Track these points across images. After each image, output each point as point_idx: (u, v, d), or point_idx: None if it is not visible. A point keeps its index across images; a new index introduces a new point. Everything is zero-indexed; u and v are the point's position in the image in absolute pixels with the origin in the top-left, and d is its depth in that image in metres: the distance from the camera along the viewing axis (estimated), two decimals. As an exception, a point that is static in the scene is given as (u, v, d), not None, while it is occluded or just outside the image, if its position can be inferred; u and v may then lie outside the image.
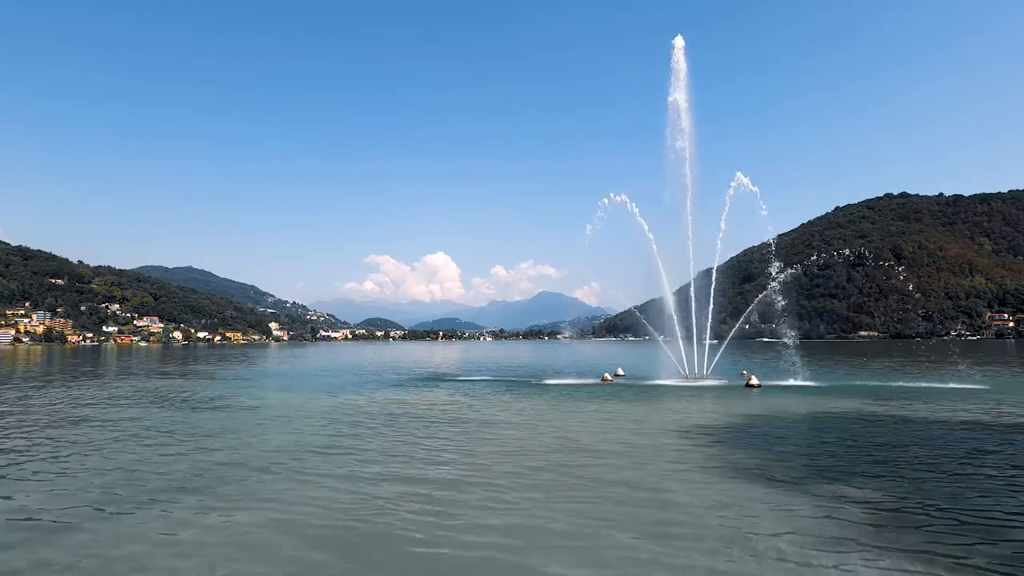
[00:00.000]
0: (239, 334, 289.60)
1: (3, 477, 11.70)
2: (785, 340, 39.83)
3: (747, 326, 39.27)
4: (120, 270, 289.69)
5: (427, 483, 11.08)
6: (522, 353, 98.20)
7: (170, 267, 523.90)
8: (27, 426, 18.23)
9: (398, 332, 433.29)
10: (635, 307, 40.33)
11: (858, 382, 33.21)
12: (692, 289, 34.78)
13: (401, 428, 17.76)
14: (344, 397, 26.87)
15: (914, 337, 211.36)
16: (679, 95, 35.41)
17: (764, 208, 34.94)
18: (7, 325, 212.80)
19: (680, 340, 35.07)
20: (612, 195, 35.46)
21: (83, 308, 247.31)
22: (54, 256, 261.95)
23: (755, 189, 34.35)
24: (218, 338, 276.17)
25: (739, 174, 34.44)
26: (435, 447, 14.68)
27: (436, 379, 38.11)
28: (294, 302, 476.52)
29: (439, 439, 15.81)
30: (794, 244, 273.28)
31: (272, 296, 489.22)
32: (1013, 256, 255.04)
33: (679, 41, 35.90)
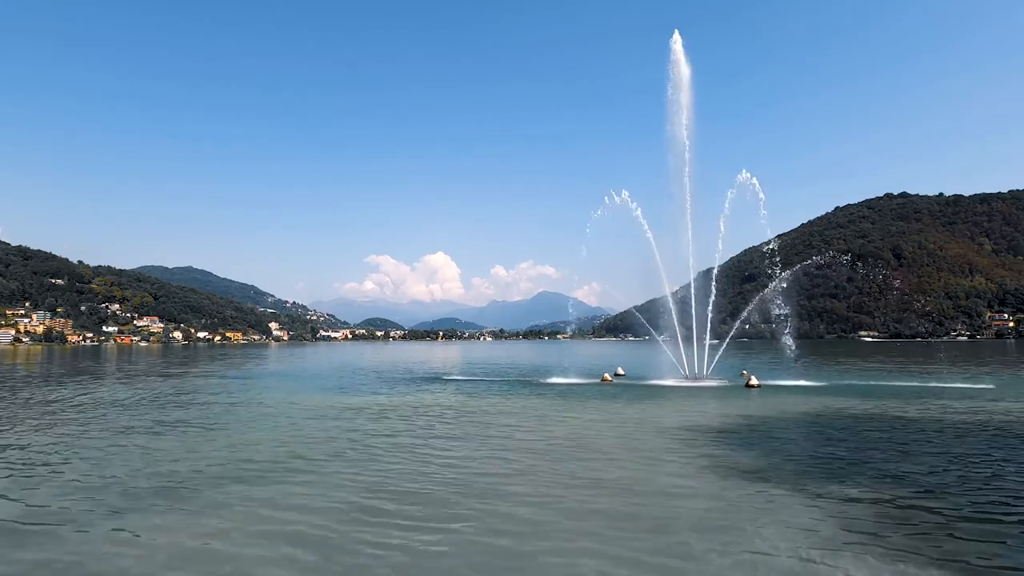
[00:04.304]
0: (239, 334, 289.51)
1: None
2: (786, 340, 39.89)
3: (747, 326, 39.30)
4: (120, 270, 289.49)
5: (425, 484, 11.12)
6: (522, 353, 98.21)
7: (170, 267, 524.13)
8: (25, 425, 18.26)
9: (398, 332, 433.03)
10: (635, 307, 40.40)
11: (857, 382, 33.24)
12: (692, 289, 34.81)
13: (401, 428, 17.80)
14: (344, 397, 26.91)
15: (913, 337, 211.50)
16: (681, 98, 35.41)
17: (764, 211, 34.99)
18: (7, 325, 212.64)
19: (680, 340, 35.10)
20: (612, 195, 35.56)
21: (83, 308, 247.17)
22: (54, 256, 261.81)
23: (762, 196, 34.40)
24: (218, 338, 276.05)
25: (744, 172, 34.51)
26: (434, 447, 14.72)
27: (436, 379, 38.13)
28: (294, 302, 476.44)
29: (438, 439, 15.85)
30: (794, 244, 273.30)
31: (272, 296, 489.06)
32: (1013, 256, 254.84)
33: (678, 48, 35.82)
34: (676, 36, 36.00)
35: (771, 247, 39.06)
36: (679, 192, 35.10)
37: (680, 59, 35.77)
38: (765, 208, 34.85)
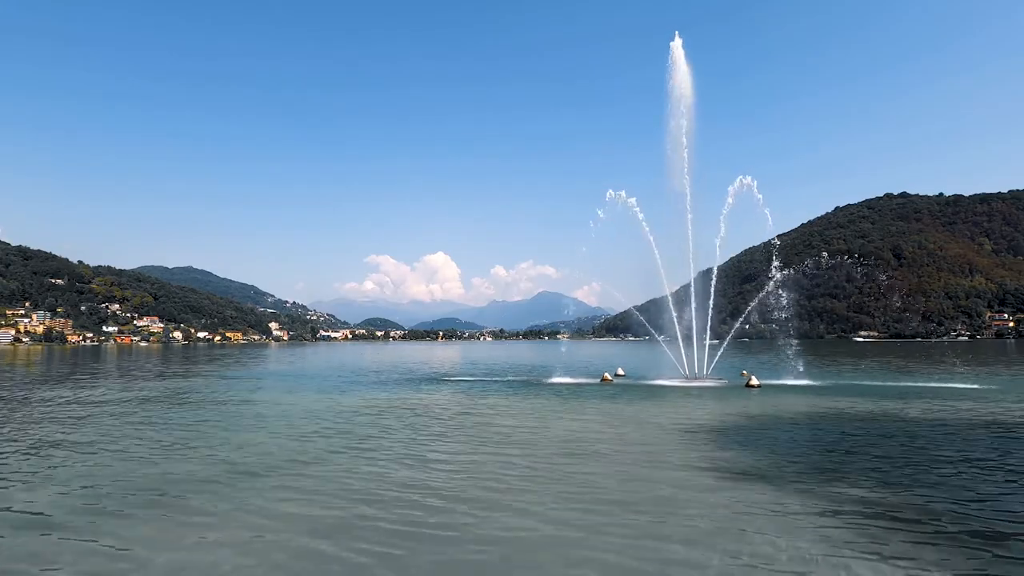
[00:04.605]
0: (239, 334, 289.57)
1: None
2: (785, 339, 39.93)
3: (747, 326, 39.28)
4: (120, 270, 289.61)
5: (425, 484, 11.07)
6: (522, 353, 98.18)
7: (170, 267, 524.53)
8: (15, 427, 18.21)
9: (398, 332, 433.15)
10: (635, 307, 40.38)
11: (858, 382, 33.20)
12: (692, 289, 34.77)
13: (401, 428, 17.75)
14: (348, 397, 26.87)
15: (913, 337, 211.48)
16: (681, 96, 35.30)
17: (770, 219, 35.04)
18: (7, 325, 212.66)
19: (680, 340, 35.07)
20: (615, 194, 35.52)
21: (83, 308, 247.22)
22: (54, 256, 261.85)
23: (771, 225, 34.52)
24: (218, 338, 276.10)
25: (741, 177, 34.49)
26: (432, 448, 14.67)
27: (436, 379, 38.09)
28: (294, 302, 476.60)
29: (436, 440, 15.80)
30: (794, 244, 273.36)
31: (272, 296, 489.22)
32: (1013, 256, 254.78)
33: (678, 51, 35.65)
34: (677, 40, 35.77)
35: (774, 247, 38.98)
36: (679, 193, 35.07)
37: (680, 62, 35.62)
38: (770, 219, 34.99)
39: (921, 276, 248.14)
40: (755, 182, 34.30)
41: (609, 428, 17.63)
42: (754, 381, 29.78)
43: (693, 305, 34.23)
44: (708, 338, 35.04)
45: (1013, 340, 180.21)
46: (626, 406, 22.84)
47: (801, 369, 35.37)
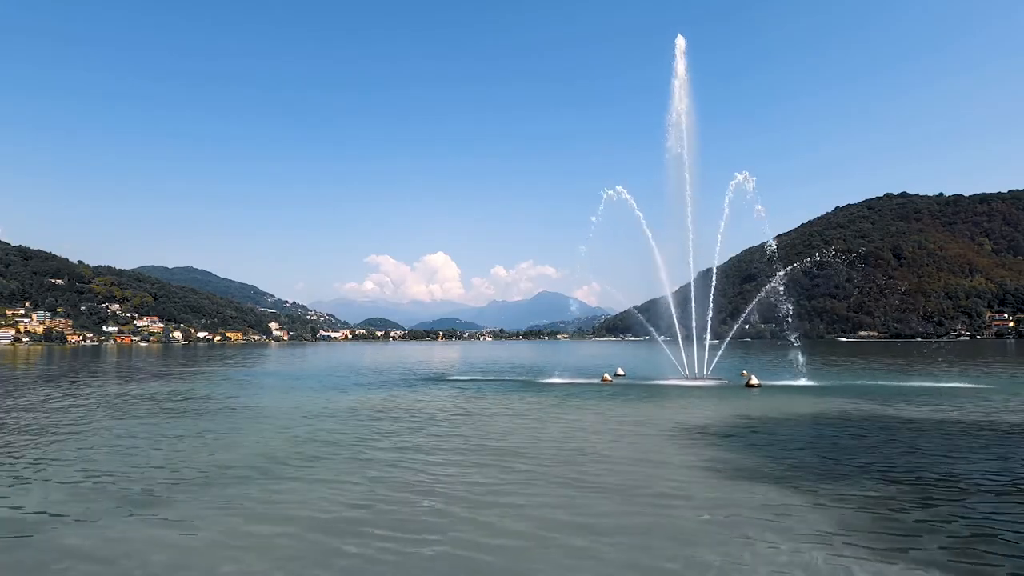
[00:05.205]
0: (239, 334, 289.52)
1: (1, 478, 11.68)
2: (788, 339, 39.94)
3: (747, 326, 39.28)
4: (120, 270, 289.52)
5: (425, 484, 11.05)
6: (522, 353, 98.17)
7: (170, 267, 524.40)
8: (9, 426, 18.20)
9: (398, 332, 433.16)
10: (635, 307, 40.38)
11: (859, 382, 33.18)
12: (692, 289, 34.76)
13: (394, 430, 17.73)
14: (345, 397, 26.85)
15: (913, 337, 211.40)
16: (681, 104, 35.27)
17: (762, 210, 34.92)
18: (7, 325, 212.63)
19: (680, 340, 35.06)
20: (614, 191, 35.51)
21: (83, 308, 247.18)
22: (54, 256, 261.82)
23: (752, 189, 34.37)
24: (218, 338, 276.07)
25: (738, 174, 34.45)
26: (428, 450, 14.64)
27: (436, 379, 38.06)
28: (294, 302, 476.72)
29: (432, 441, 15.77)
30: (794, 244, 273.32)
31: (272, 296, 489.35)
32: (1013, 256, 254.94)
33: (681, 49, 35.62)
34: (680, 52, 35.69)
35: (771, 247, 38.96)
36: (679, 192, 35.07)
37: (681, 64, 35.61)
38: (763, 210, 34.86)
39: (921, 276, 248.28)
40: (748, 174, 34.32)
41: (608, 428, 17.61)
42: (754, 381, 29.78)
43: (693, 305, 34.22)
44: (708, 338, 35.04)
45: (1013, 340, 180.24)
46: (626, 407, 22.82)
47: (801, 369, 35.36)
